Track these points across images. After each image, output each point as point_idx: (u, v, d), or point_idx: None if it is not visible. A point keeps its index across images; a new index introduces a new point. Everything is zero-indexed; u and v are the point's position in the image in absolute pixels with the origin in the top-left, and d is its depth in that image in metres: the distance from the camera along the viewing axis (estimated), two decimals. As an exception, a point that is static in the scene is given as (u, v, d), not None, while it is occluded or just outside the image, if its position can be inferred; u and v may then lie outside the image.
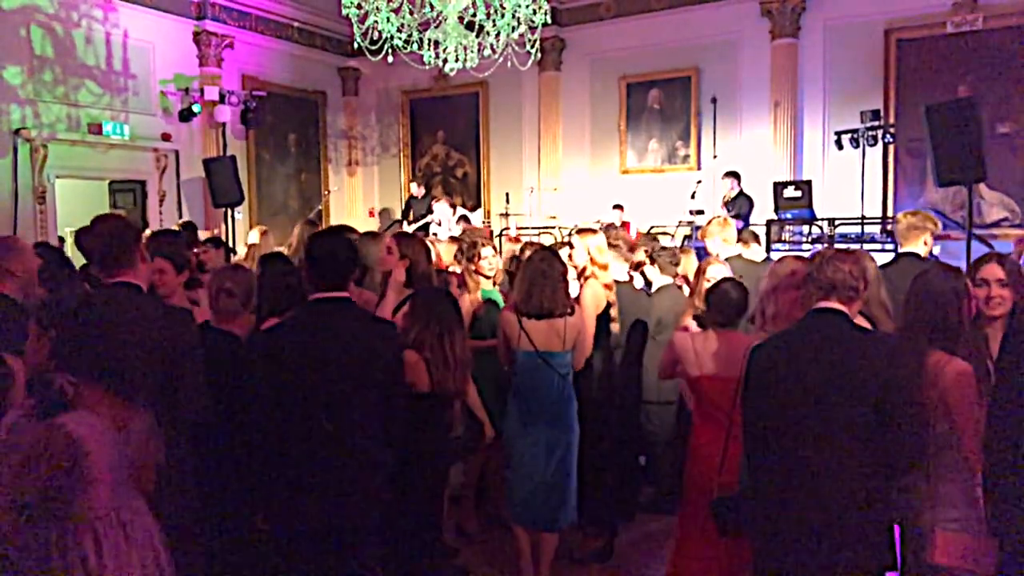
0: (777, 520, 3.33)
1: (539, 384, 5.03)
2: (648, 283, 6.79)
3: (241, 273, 4.65)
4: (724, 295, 4.41)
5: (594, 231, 5.98)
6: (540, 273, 4.98)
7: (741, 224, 11.46)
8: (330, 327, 3.59)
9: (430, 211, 14.68)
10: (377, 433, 3.67)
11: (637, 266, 6.58)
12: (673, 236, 12.60)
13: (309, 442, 3.51)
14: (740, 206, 12.72)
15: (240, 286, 4.44)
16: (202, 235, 10.85)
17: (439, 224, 13.39)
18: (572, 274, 5.87)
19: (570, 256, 5.77)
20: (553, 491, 5.06)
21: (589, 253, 5.72)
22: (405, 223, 15.23)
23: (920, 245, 6.01)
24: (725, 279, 4.65)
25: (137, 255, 3.76)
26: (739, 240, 7.73)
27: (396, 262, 5.13)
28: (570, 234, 6.00)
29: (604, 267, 5.74)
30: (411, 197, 16.05)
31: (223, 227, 14.08)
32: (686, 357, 4.41)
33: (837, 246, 9.70)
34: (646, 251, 6.49)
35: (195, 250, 7.50)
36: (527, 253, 5.68)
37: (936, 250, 10.75)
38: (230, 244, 12.07)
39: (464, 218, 12.88)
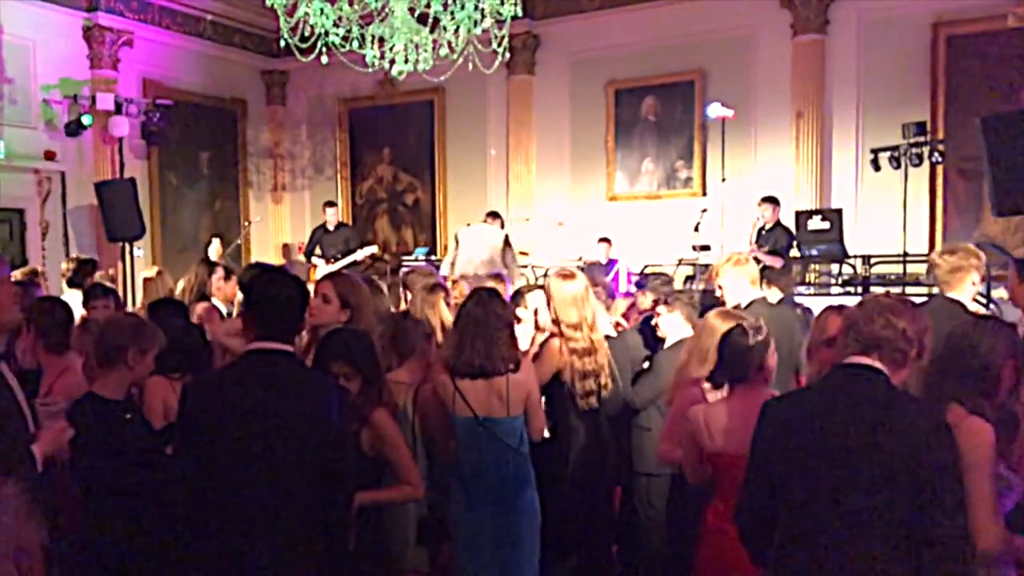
0: None
1: (484, 459, 4.96)
2: (658, 339, 6.53)
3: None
4: (734, 345, 4.39)
5: (572, 275, 5.81)
6: (473, 322, 4.96)
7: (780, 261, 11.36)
8: (265, 383, 3.64)
9: (351, 250, 14.50)
10: (312, 508, 3.64)
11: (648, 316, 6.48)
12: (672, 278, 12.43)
13: (225, 516, 3.57)
14: (777, 239, 12.30)
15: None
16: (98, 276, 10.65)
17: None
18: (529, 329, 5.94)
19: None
20: None
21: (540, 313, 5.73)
22: (314, 260, 15.01)
23: (967, 287, 5.84)
24: (732, 328, 4.58)
25: None
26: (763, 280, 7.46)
27: (337, 312, 5.10)
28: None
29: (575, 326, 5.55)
30: (319, 227, 15.61)
31: (119, 265, 13.84)
32: (698, 430, 4.40)
33: (892, 291, 9.58)
34: (656, 295, 6.30)
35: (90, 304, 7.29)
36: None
37: (1002, 294, 10.79)
38: (128, 285, 11.95)
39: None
